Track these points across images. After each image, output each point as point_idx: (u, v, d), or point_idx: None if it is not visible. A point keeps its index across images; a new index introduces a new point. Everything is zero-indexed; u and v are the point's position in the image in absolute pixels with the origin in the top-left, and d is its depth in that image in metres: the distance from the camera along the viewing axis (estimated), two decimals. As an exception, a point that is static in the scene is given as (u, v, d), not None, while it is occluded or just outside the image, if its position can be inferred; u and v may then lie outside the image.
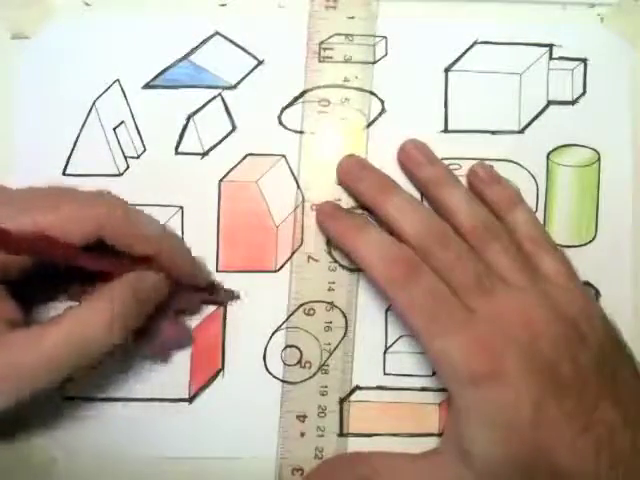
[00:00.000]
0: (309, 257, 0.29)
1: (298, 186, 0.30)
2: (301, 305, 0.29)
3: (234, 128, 0.30)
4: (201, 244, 0.29)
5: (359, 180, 0.29)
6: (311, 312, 0.29)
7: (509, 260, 0.27)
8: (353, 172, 0.29)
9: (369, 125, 0.30)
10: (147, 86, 0.30)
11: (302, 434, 0.29)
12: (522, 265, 0.27)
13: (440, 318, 0.25)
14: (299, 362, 0.29)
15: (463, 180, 0.30)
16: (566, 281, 0.27)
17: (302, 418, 0.29)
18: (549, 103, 0.30)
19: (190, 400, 0.29)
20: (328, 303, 0.29)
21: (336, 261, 0.29)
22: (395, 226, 0.27)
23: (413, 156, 0.29)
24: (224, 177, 0.30)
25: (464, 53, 0.30)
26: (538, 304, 0.25)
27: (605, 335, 0.26)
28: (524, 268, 0.26)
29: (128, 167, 0.30)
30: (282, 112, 0.30)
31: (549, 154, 0.30)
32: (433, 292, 0.26)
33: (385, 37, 0.30)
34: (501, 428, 0.24)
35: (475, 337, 0.25)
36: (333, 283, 0.29)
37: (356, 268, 0.29)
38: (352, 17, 0.30)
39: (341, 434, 0.29)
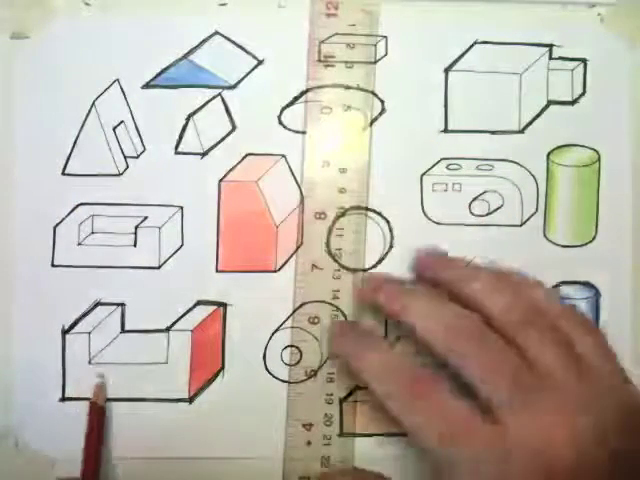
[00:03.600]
0: (313, 265, 0.29)
1: (298, 186, 0.30)
2: (301, 305, 0.29)
3: (234, 128, 0.30)
4: (201, 244, 0.29)
5: (378, 293, 0.28)
6: (315, 320, 0.29)
7: (551, 350, 0.24)
8: (373, 287, 0.28)
9: (370, 125, 0.30)
10: (147, 86, 0.30)
11: (308, 442, 0.29)
12: (565, 354, 0.24)
13: (459, 439, 0.23)
14: (299, 362, 0.29)
15: (464, 180, 0.30)
16: (611, 367, 0.25)
17: (308, 427, 0.29)
18: (549, 103, 0.30)
19: (190, 400, 0.29)
20: (333, 309, 0.29)
21: (338, 264, 0.29)
22: (421, 334, 0.25)
23: (429, 263, 0.28)
24: (224, 177, 0.30)
25: (464, 53, 0.30)
26: (587, 407, 0.23)
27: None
28: (568, 359, 0.24)
29: (128, 167, 0.30)
30: (282, 112, 0.30)
31: (549, 154, 0.30)
32: (444, 412, 0.24)
33: (385, 37, 0.30)
34: None
35: (511, 468, 0.22)
36: (338, 291, 0.29)
37: (360, 269, 0.29)
38: (353, 24, 0.30)
39: (341, 434, 0.29)
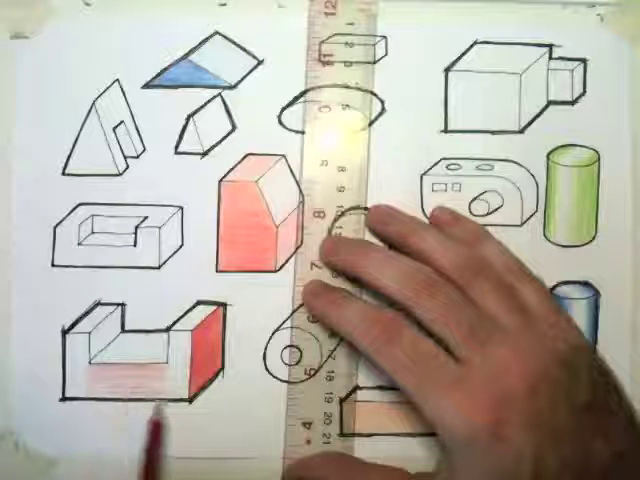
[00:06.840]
0: (312, 264, 0.29)
1: (298, 186, 0.30)
2: (301, 305, 0.29)
3: (234, 128, 0.30)
4: (201, 244, 0.29)
5: (335, 252, 0.29)
6: (315, 320, 0.29)
7: (497, 298, 0.26)
8: (329, 249, 0.29)
9: (369, 125, 0.30)
10: (147, 86, 0.30)
11: (308, 441, 0.29)
12: (510, 302, 0.26)
13: (429, 378, 0.25)
14: (299, 362, 0.29)
15: (464, 180, 0.30)
16: (551, 313, 0.26)
17: (308, 425, 0.29)
18: (549, 103, 0.30)
19: (190, 400, 0.29)
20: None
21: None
22: (378, 286, 0.27)
23: (377, 217, 0.29)
24: (224, 177, 0.30)
25: (464, 53, 0.30)
26: (532, 350, 0.25)
27: (593, 366, 0.26)
28: (512, 306, 0.26)
29: (128, 167, 0.30)
30: (282, 112, 0.30)
31: (549, 154, 0.30)
32: (416, 350, 0.25)
33: (385, 37, 0.30)
34: None
35: (471, 395, 0.24)
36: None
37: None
38: (351, 23, 0.30)
39: (341, 434, 0.29)
